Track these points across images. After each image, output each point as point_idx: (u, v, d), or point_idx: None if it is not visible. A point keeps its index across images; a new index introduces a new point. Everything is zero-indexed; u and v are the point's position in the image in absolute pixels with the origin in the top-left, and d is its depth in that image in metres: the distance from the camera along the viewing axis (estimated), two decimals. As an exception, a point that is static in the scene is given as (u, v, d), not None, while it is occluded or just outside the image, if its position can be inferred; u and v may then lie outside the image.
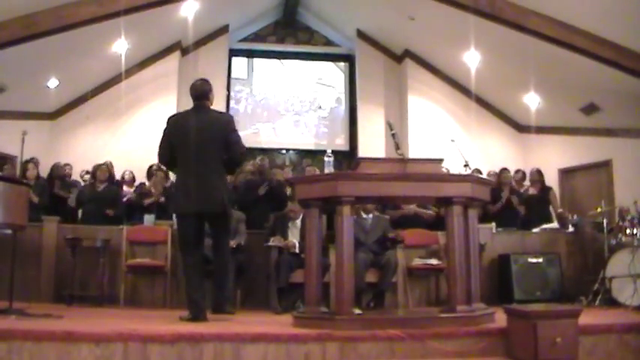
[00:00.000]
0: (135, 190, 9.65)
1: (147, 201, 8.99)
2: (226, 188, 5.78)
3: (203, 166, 5.58)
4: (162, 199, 8.92)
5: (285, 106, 14.25)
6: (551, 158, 10.35)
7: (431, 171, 5.26)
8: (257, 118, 13.93)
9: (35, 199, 8.58)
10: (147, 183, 9.74)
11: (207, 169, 5.58)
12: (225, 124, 5.76)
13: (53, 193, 9.53)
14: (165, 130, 5.78)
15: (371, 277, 7.22)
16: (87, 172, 9.86)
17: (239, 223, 7.62)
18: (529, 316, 4.40)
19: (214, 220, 5.74)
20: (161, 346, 4.25)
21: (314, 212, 5.19)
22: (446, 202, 5.12)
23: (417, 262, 7.96)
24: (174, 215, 8.30)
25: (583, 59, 9.38)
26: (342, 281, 4.87)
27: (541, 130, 12.28)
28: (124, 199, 9.37)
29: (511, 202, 9.29)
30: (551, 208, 9.83)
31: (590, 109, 10.96)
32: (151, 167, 9.95)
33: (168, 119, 5.88)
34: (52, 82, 11.30)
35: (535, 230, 9.05)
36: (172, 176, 9.74)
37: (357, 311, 5.19)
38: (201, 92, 5.84)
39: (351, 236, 4.95)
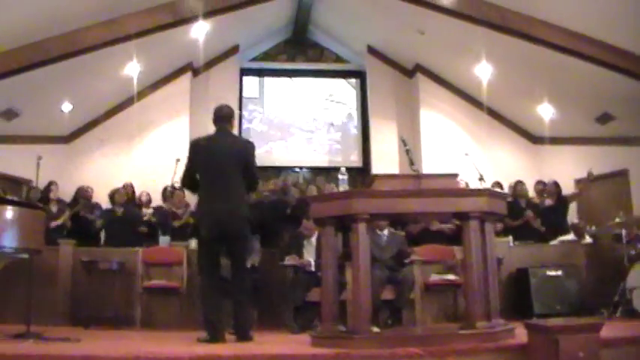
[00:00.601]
0: (154, 213, 9.65)
1: (176, 223, 9.02)
2: (247, 212, 5.79)
3: (226, 190, 5.65)
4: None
5: (297, 124, 14.22)
6: (566, 169, 10.27)
7: (446, 186, 5.22)
8: (270, 137, 13.92)
9: (68, 224, 8.72)
10: (164, 205, 9.76)
11: (230, 193, 5.65)
12: (247, 150, 5.89)
13: (78, 216, 9.56)
14: (189, 155, 5.85)
15: (387, 294, 7.17)
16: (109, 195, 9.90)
17: (254, 241, 7.58)
18: (550, 331, 4.33)
19: (234, 242, 5.75)
20: (179, 369, 4.22)
21: (329, 230, 5.16)
22: (462, 217, 5.07)
23: (434, 277, 7.91)
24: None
25: (596, 68, 9.33)
26: (359, 299, 4.83)
27: (555, 140, 12.19)
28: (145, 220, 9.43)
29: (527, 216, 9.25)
30: (568, 220, 9.76)
31: (604, 118, 10.87)
32: (165, 189, 9.98)
33: (191, 143, 5.98)
34: (66, 106, 11.34)
35: (552, 243, 8.97)
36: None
37: (375, 329, 5.14)
38: (225, 116, 5.93)
39: (367, 253, 4.91)
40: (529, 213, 9.33)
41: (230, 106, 6.09)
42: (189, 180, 5.85)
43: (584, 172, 9.41)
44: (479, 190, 5.90)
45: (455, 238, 8.53)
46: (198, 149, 5.83)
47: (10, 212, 5.60)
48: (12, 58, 8.83)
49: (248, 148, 5.94)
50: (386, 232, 7.64)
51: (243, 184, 5.75)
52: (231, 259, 5.84)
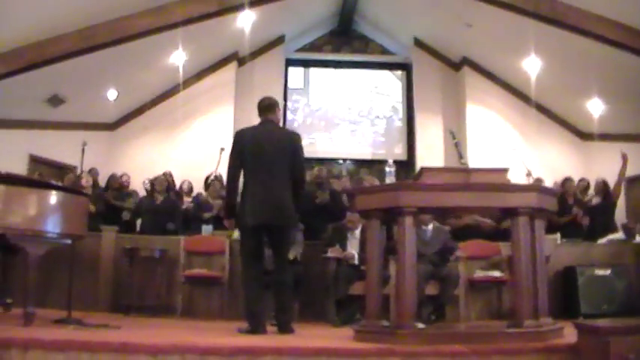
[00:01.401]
0: (193, 201, 9.67)
1: (207, 215, 9.02)
2: (292, 201, 5.71)
3: (272, 179, 5.60)
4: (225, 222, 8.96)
5: (341, 116, 14.16)
6: (615, 167, 9.99)
7: (495, 181, 5.09)
8: (314, 128, 13.86)
9: (92, 208, 8.68)
10: (204, 193, 9.77)
11: (276, 183, 5.60)
12: (294, 141, 5.82)
13: (109, 204, 9.60)
14: (234, 144, 5.79)
15: (431, 289, 7.05)
16: (149, 182, 9.87)
17: (296, 233, 7.51)
18: (601, 332, 4.18)
19: (279, 233, 5.70)
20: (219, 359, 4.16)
21: (375, 223, 5.06)
22: (511, 212, 4.93)
23: (479, 274, 7.79)
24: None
25: (647, 63, 9.11)
26: (404, 294, 4.73)
27: (605, 137, 11.94)
28: (183, 209, 9.43)
29: (576, 214, 9.07)
30: (616, 219, 9.54)
31: (656, 114, 10.64)
32: (207, 178, 9.99)
33: (237, 133, 5.93)
34: (111, 94, 11.43)
35: (601, 241, 8.78)
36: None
37: (419, 325, 5.04)
38: (269, 107, 5.89)
39: (413, 248, 4.81)
40: (577, 210, 9.14)
41: (273, 97, 6.04)
42: (237, 170, 5.75)
43: (635, 170, 9.20)
44: (529, 185, 5.76)
45: (493, 235, 8.45)
46: (244, 139, 5.78)
47: (54, 197, 5.59)
48: (59, 45, 8.91)
49: (294, 138, 5.88)
50: (430, 226, 7.52)
51: (288, 174, 5.68)
52: (274, 250, 5.78)
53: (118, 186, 10.16)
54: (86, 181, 9.32)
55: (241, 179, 5.78)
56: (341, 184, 10.37)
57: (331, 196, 9.04)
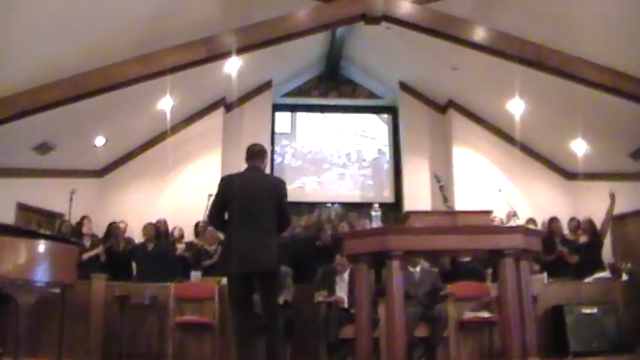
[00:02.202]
0: (188, 249, 9.69)
1: (207, 262, 9.04)
2: (277, 249, 5.69)
3: (257, 226, 5.57)
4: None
5: (329, 160, 14.27)
6: (601, 205, 10.09)
7: (481, 223, 5.17)
8: (302, 172, 13.95)
9: (103, 258, 8.80)
10: (195, 240, 9.80)
11: (260, 230, 5.57)
12: (279, 188, 5.82)
13: (112, 251, 9.62)
14: (219, 189, 5.80)
15: (421, 331, 7.10)
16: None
17: (285, 277, 7.50)
18: (589, 371, 4.24)
19: (265, 280, 5.67)
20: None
21: (363, 267, 5.13)
22: (497, 254, 5.01)
23: (469, 315, 7.81)
24: None
25: (630, 104, 9.24)
26: (394, 336, 4.78)
27: (590, 176, 12.04)
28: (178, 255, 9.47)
29: (562, 253, 9.12)
30: (603, 257, 9.61)
31: (638, 153, 10.75)
32: (197, 224, 10.02)
33: (223, 179, 5.93)
34: (100, 140, 11.47)
35: (588, 280, 8.84)
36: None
37: (410, 367, 5.07)
38: (258, 154, 5.91)
39: (401, 290, 4.88)
40: (562, 248, 9.20)
41: (262, 145, 6.05)
42: (218, 216, 5.76)
43: (620, 208, 9.29)
44: (514, 227, 5.83)
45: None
46: (230, 185, 5.78)
47: (42, 246, 5.63)
48: (47, 92, 8.94)
49: (280, 186, 5.87)
50: (418, 268, 7.59)
51: (274, 221, 5.67)
52: (262, 295, 5.76)
53: (118, 233, 10.15)
54: (87, 229, 9.38)
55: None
56: (341, 228, 10.45)
57: (333, 239, 9.11)
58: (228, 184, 5.81)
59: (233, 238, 5.63)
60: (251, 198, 5.64)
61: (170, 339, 7.83)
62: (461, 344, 7.69)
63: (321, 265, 8.12)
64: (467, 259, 8.60)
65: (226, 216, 5.73)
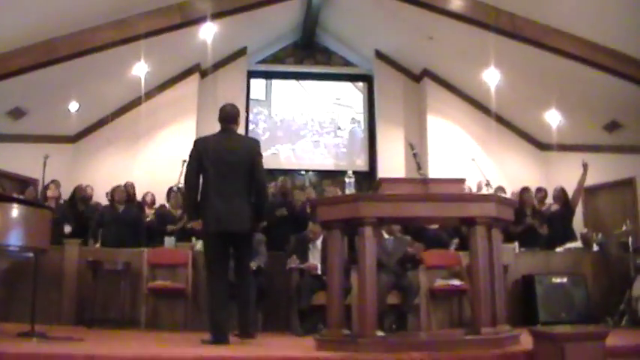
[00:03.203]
0: (155, 213, 9.65)
1: (170, 227, 9.01)
2: (251, 210, 5.76)
3: (231, 187, 5.65)
4: (190, 225, 8.96)
5: (304, 127, 14.24)
6: (573, 176, 10.18)
7: (453, 191, 5.21)
8: (276, 140, 13.91)
9: (68, 230, 8.71)
10: (166, 205, 9.76)
11: (235, 191, 5.66)
12: (252, 148, 5.88)
13: (78, 214, 9.54)
14: (193, 152, 5.82)
15: (393, 299, 7.16)
16: (109, 193, 9.82)
17: (259, 244, 7.52)
18: (556, 339, 4.29)
19: (239, 241, 5.75)
20: (183, 371, 4.20)
21: (336, 234, 5.14)
22: (469, 222, 5.05)
23: (440, 283, 7.89)
24: (193, 238, 8.37)
25: (605, 76, 9.31)
26: (365, 303, 4.81)
27: (563, 148, 12.14)
28: (146, 221, 9.41)
29: (533, 223, 9.19)
30: (574, 227, 9.71)
31: (612, 126, 10.85)
32: (170, 189, 9.98)
33: (196, 141, 5.95)
34: (73, 106, 11.37)
35: (559, 250, 8.94)
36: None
37: (380, 334, 5.12)
38: (231, 116, 5.94)
39: (373, 258, 4.89)
40: (532, 220, 9.26)
41: (235, 105, 6.08)
42: (194, 178, 5.78)
43: (592, 180, 9.40)
44: (486, 195, 5.88)
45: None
46: (203, 147, 5.81)
47: (15, 210, 5.60)
48: (20, 57, 8.87)
49: (254, 145, 5.95)
50: (392, 236, 7.63)
51: (248, 182, 5.75)
52: (236, 259, 5.84)
53: (82, 197, 10.05)
54: (52, 193, 9.29)
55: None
56: (305, 194, 10.47)
57: (290, 209, 9.12)
58: (202, 145, 5.84)
59: (209, 199, 5.67)
60: (225, 159, 5.69)
61: (143, 305, 7.84)
62: (431, 312, 7.79)
63: (290, 232, 8.16)
64: (434, 226, 8.64)
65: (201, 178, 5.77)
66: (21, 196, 6.91)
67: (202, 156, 5.75)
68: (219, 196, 5.62)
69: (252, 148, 5.89)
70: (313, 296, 7.06)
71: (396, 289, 7.18)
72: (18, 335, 5.56)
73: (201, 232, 5.84)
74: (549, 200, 10.09)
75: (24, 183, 10.97)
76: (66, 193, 10.06)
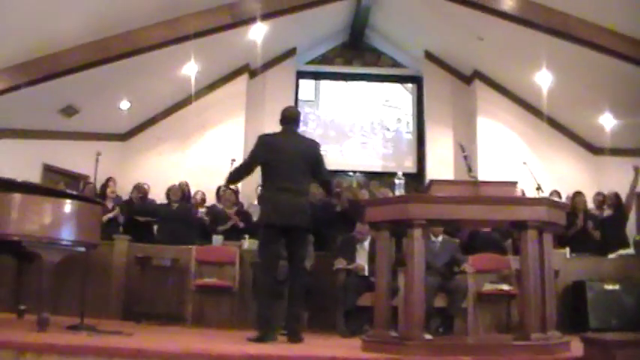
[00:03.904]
0: (207, 213, 9.72)
1: (221, 227, 9.07)
2: (309, 207, 5.99)
3: (293, 183, 5.82)
4: (242, 224, 9.04)
5: (352, 128, 14.20)
6: (626, 181, 9.99)
7: (504, 194, 5.13)
8: (324, 140, 13.80)
9: (121, 219, 8.85)
10: (218, 205, 9.83)
11: (296, 187, 5.83)
12: (315, 149, 6.12)
13: (134, 211, 9.72)
14: (257, 146, 6.00)
15: (440, 301, 7.09)
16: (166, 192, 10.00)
17: (307, 244, 7.53)
18: (607, 346, 4.21)
19: (297, 237, 5.89)
20: (230, 367, 4.22)
21: (384, 235, 5.11)
22: (520, 226, 4.97)
23: (488, 287, 7.79)
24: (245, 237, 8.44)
25: (660, 78, 9.12)
26: (412, 305, 4.77)
27: (616, 151, 11.90)
28: (197, 219, 9.51)
29: (586, 227, 9.03)
30: (628, 233, 9.51)
31: (667, 129, 10.62)
32: (219, 188, 10.05)
33: (261, 137, 6.12)
34: (124, 104, 11.53)
35: (611, 256, 8.76)
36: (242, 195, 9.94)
37: (427, 336, 5.07)
38: (294, 117, 6.15)
39: (422, 260, 4.86)
40: (581, 222, 9.10)
41: (296, 108, 6.30)
42: (244, 173, 6.05)
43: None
44: (538, 198, 5.78)
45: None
46: (268, 143, 5.99)
47: (68, 206, 5.69)
48: (73, 56, 9.01)
49: (315, 146, 6.17)
50: (440, 238, 7.57)
51: (308, 180, 5.98)
52: (291, 254, 5.96)
53: (142, 195, 10.22)
54: (111, 191, 9.48)
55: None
56: (360, 195, 10.44)
57: (351, 205, 9.11)
58: (267, 141, 6.03)
59: (272, 194, 5.86)
60: (288, 157, 5.88)
61: (189, 301, 7.91)
62: (479, 316, 7.69)
63: (339, 232, 8.16)
64: (486, 229, 8.57)
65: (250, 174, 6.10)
66: (73, 192, 6.99)
67: (267, 151, 5.92)
68: (284, 190, 5.78)
69: (314, 148, 6.13)
70: (359, 297, 7.03)
71: (443, 291, 7.11)
72: (68, 328, 5.65)
73: (261, 224, 5.92)
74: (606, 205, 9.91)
75: (76, 179, 11.17)
76: (118, 190, 10.20)
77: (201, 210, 9.97)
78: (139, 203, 9.99)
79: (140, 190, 10.28)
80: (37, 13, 8.14)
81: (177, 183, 9.81)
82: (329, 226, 8.59)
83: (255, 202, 10.04)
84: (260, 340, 5.41)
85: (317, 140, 6.43)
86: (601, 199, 9.95)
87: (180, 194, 9.52)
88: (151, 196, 10.62)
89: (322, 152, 6.25)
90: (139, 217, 9.68)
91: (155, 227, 9.58)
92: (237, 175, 6.24)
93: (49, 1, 8.07)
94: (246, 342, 5.40)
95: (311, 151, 6.03)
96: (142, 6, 8.96)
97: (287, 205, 5.75)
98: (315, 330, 7.18)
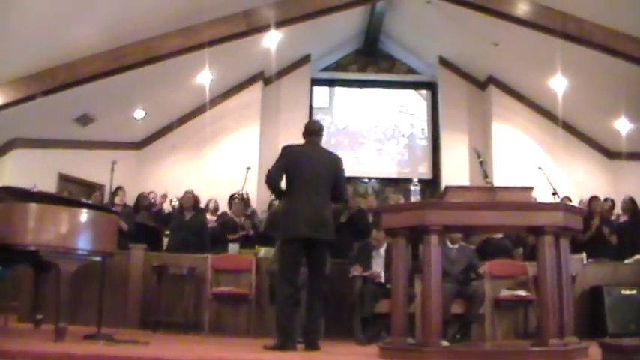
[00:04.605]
0: (217, 221, 9.73)
1: (231, 236, 9.08)
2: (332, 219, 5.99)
3: (316, 196, 5.82)
4: (251, 232, 9.06)
5: (367, 135, 14.21)
6: (643, 185, 9.98)
7: (520, 199, 5.11)
8: (339, 147, 13.83)
9: (125, 227, 8.82)
10: (228, 212, 9.83)
11: (319, 199, 5.83)
12: (336, 162, 6.12)
13: (138, 222, 9.71)
14: (282, 157, 5.99)
15: (457, 307, 7.05)
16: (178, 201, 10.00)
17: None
18: (626, 351, 4.16)
19: (319, 249, 5.88)
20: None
21: (401, 241, 5.10)
22: (537, 231, 4.95)
23: (505, 293, 7.75)
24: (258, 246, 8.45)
25: (676, 82, 9.06)
26: (430, 312, 4.75)
27: (632, 156, 11.85)
28: (209, 228, 9.51)
29: (602, 232, 8.97)
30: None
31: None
32: (232, 197, 10.05)
33: (285, 148, 6.10)
34: (139, 113, 11.60)
35: (628, 261, 8.70)
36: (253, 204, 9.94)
37: (445, 343, 5.05)
38: (316, 130, 6.21)
39: (438, 266, 4.84)
40: (595, 222, 9.04)
41: (319, 121, 6.45)
42: (278, 177, 5.94)
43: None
44: (555, 204, 5.75)
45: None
46: (292, 153, 6.00)
47: (84, 215, 5.71)
48: (89, 65, 9.06)
49: (338, 161, 6.16)
50: (456, 244, 7.54)
51: (330, 192, 5.94)
52: (312, 264, 5.93)
53: (147, 205, 10.23)
54: (120, 200, 9.50)
55: None
56: (368, 202, 10.44)
57: (358, 214, 9.09)
58: (291, 153, 6.03)
59: (294, 205, 5.83)
60: (312, 169, 5.88)
61: (207, 309, 7.91)
62: (496, 322, 7.65)
63: (352, 239, 8.16)
64: (498, 236, 8.53)
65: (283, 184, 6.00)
66: (89, 201, 7.04)
67: (292, 162, 5.93)
68: (308, 202, 5.77)
69: (336, 161, 6.13)
70: (376, 304, 7.02)
71: (460, 297, 7.08)
72: (85, 337, 5.66)
73: (283, 235, 5.90)
74: (617, 211, 9.85)
75: (91, 188, 11.22)
76: (130, 199, 10.22)
77: (212, 218, 9.96)
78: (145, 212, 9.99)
79: (145, 200, 10.25)
80: (53, 24, 8.21)
81: (185, 192, 9.74)
82: (337, 233, 8.56)
83: (265, 209, 10.03)
84: (279, 348, 5.41)
85: (331, 147, 6.45)
86: (610, 205, 9.90)
87: (193, 203, 9.51)
88: (166, 204, 10.65)
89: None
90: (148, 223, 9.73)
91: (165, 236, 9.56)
92: (273, 181, 5.97)
93: (65, 11, 8.11)
94: (264, 350, 5.41)
95: (333, 165, 6.04)
96: (157, 15, 8.99)
97: (310, 218, 5.72)
98: (332, 337, 7.17)
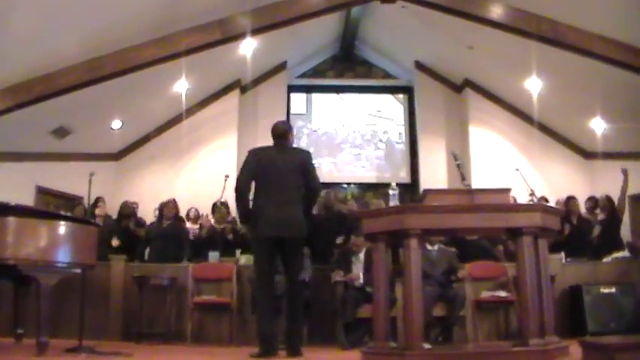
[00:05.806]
0: (200, 228, 9.71)
1: (204, 233, 9.10)
2: (302, 216, 5.94)
3: (284, 195, 5.83)
4: (230, 236, 9.05)
5: (345, 140, 14.25)
6: (619, 185, 10.03)
7: (498, 201, 5.15)
8: (317, 153, 13.88)
9: (116, 243, 8.82)
10: (212, 220, 9.81)
11: (287, 198, 5.84)
12: (304, 158, 6.13)
13: (125, 231, 9.65)
14: (248, 160, 6.02)
15: (438, 310, 7.11)
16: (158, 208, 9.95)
17: (304, 258, 7.53)
18: (606, 349, 4.21)
19: (290, 248, 5.87)
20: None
21: (381, 246, 5.12)
22: (516, 233, 4.99)
23: (486, 294, 7.80)
24: (238, 252, 8.44)
25: (650, 82, 9.15)
26: (411, 315, 4.77)
27: (608, 156, 11.91)
28: (190, 237, 9.48)
29: (580, 232, 9.05)
30: (622, 235, 9.54)
31: (658, 132, 10.65)
32: (215, 204, 10.03)
33: (251, 151, 6.15)
34: (116, 124, 11.53)
35: (606, 260, 8.78)
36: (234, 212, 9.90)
37: (427, 346, 5.07)
38: (282, 132, 6.15)
39: (418, 269, 4.86)
40: (567, 226, 9.12)
41: (285, 122, 6.46)
42: (246, 184, 5.96)
43: (638, 188, 9.22)
44: (533, 205, 5.80)
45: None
46: (259, 156, 6.02)
47: (63, 228, 5.68)
48: (65, 76, 8.99)
49: (306, 156, 6.20)
50: (436, 247, 7.59)
51: (300, 190, 5.93)
52: (286, 264, 5.95)
53: (131, 214, 10.17)
54: (100, 210, 9.44)
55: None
56: (347, 207, 10.46)
57: (338, 218, 9.12)
58: (257, 155, 6.06)
59: (262, 205, 5.86)
60: (280, 169, 5.90)
61: (189, 319, 7.89)
62: (477, 324, 7.71)
63: (331, 243, 8.19)
64: (474, 237, 8.58)
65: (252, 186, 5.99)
66: (68, 213, 6.99)
67: (257, 165, 5.95)
68: (274, 203, 5.79)
69: (304, 158, 6.14)
70: (358, 309, 7.04)
71: (441, 300, 7.14)
72: (67, 351, 5.64)
73: (252, 238, 5.93)
74: (598, 209, 9.94)
75: (69, 200, 11.14)
76: (110, 209, 10.17)
77: (194, 227, 9.94)
78: (126, 223, 9.94)
79: (127, 208, 10.18)
80: (28, 36, 8.13)
81: (168, 199, 9.71)
82: (325, 239, 8.59)
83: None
84: (261, 356, 5.42)
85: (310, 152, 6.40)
86: (593, 204, 10.01)
87: (175, 212, 9.49)
88: (145, 214, 10.60)
89: (314, 162, 6.25)
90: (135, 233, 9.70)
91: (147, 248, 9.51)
92: (240, 205, 6.05)
93: (40, 24, 8.05)
94: (248, 358, 5.40)
95: (300, 161, 6.03)
96: (132, 25, 8.95)
97: (279, 218, 5.75)
98: (315, 343, 7.17)
